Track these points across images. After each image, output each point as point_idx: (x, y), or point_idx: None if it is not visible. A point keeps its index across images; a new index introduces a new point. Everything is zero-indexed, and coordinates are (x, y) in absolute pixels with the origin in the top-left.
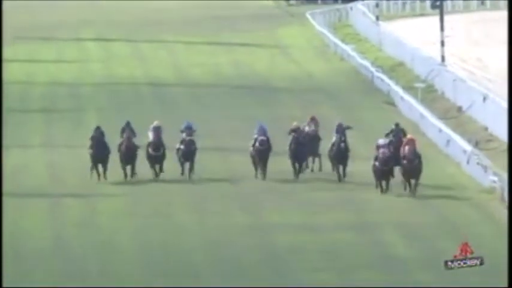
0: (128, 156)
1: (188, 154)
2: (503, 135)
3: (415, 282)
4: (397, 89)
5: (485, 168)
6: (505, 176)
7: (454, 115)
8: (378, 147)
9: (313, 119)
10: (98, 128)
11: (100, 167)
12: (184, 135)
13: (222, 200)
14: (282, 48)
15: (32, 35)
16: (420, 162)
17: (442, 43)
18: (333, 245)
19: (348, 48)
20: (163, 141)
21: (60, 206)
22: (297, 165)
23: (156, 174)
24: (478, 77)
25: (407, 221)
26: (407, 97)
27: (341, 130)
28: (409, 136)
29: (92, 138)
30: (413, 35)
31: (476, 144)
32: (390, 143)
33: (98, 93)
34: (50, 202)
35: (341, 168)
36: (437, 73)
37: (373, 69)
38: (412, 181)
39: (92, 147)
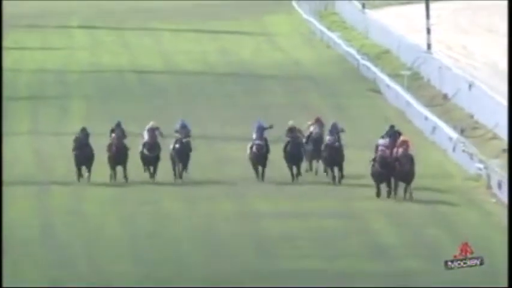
0: (118, 157)
1: (183, 155)
2: (489, 123)
3: (403, 269)
4: (383, 77)
5: (471, 155)
6: (490, 163)
7: (439, 102)
8: (377, 147)
9: (317, 120)
10: (83, 129)
11: (84, 170)
12: (179, 135)
13: (209, 188)
14: (268, 36)
15: (19, 23)
16: (413, 166)
17: (428, 31)
18: (321, 233)
19: (334, 36)
20: (160, 143)
21: (47, 193)
22: (294, 168)
23: (151, 175)
24: (464, 65)
25: (394, 208)
26: (393, 84)
27: (335, 131)
28: (403, 138)
29: (76, 139)
30: (400, 23)
31: (462, 132)
32: (390, 144)
33: (84, 81)
34: (37, 190)
35: (336, 170)
36: (423, 61)
37: (359, 56)
38: (403, 184)
39: (75, 149)
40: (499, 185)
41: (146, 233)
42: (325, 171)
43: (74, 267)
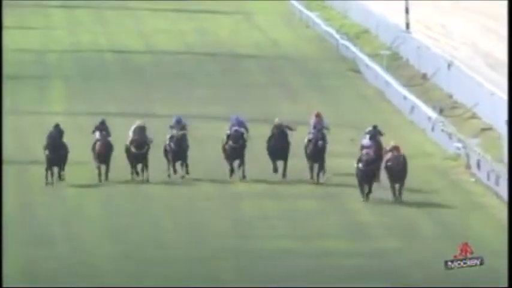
0: (103, 155)
1: (179, 153)
2: (468, 102)
3: (380, 249)
4: (362, 56)
5: (450, 135)
6: (469, 142)
7: (418, 82)
8: (362, 147)
9: (318, 116)
10: (56, 126)
11: (56, 170)
12: (174, 131)
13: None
14: (247, 15)
15: None
16: (405, 167)
17: (407, 10)
18: (297, 213)
19: (313, 16)
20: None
21: (26, 173)
22: (277, 163)
23: (138, 174)
24: (443, 44)
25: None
26: (373, 64)
27: (320, 127)
28: (393, 144)
29: (48, 137)
30: (379, 2)
31: (440, 111)
32: (375, 145)
33: (63, 61)
34: (16, 169)
35: (316, 167)
36: (402, 40)
37: (338, 36)
38: (397, 185)
39: (47, 147)
40: (478, 164)
41: (125, 213)
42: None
43: (53, 247)
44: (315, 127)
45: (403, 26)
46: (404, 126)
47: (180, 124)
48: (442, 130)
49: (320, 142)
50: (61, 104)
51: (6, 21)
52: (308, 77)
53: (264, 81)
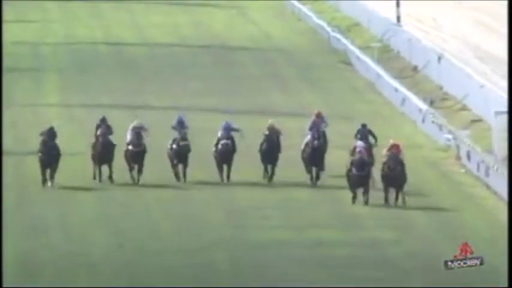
0: (104, 155)
1: (182, 156)
2: (458, 94)
3: (372, 239)
4: (353, 49)
5: (440, 126)
6: (459, 134)
7: (409, 74)
8: (355, 150)
9: (318, 116)
10: (50, 129)
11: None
12: (177, 134)
13: None
14: (240, 8)
15: None
16: (403, 170)
17: (398, 3)
18: (290, 203)
19: (305, 9)
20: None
21: (23, 164)
22: (269, 167)
23: (134, 179)
24: (433, 37)
25: None
26: (364, 57)
27: (316, 127)
28: (393, 141)
29: (42, 141)
30: None
31: (431, 103)
32: (368, 147)
33: (59, 53)
34: (13, 160)
35: (314, 170)
36: (393, 33)
37: (329, 29)
38: (391, 189)
39: (41, 151)
40: (468, 156)
41: (118, 202)
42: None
43: (48, 237)
44: (311, 128)
45: (394, 19)
46: (395, 117)
47: (182, 125)
48: (433, 122)
49: (316, 142)
50: (56, 95)
51: (3, 15)
52: (300, 69)
53: (256, 73)
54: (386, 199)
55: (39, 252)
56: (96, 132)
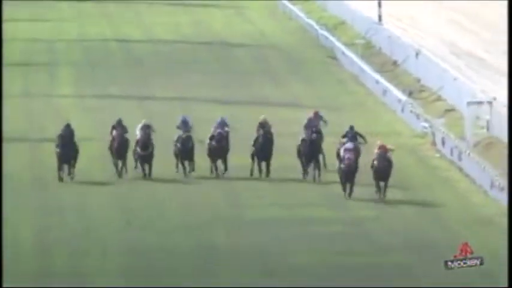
0: (121, 152)
1: (185, 153)
2: (434, 86)
3: (357, 217)
4: (339, 45)
5: (417, 115)
6: (435, 122)
7: (390, 68)
8: (343, 149)
9: (316, 115)
10: (67, 126)
11: (66, 168)
12: (181, 132)
13: None
14: (237, 8)
15: None
16: (390, 166)
17: (379, 4)
18: (283, 184)
19: (295, 9)
20: (153, 140)
21: (39, 150)
22: (263, 164)
23: (145, 174)
24: (412, 35)
25: None
26: (349, 52)
27: (312, 125)
28: (379, 143)
29: (60, 136)
30: None
31: (409, 94)
32: (355, 147)
33: (72, 50)
34: (30, 146)
35: (312, 166)
36: (375, 31)
37: (317, 27)
38: (381, 183)
39: (58, 146)
40: (443, 142)
41: (128, 185)
42: (304, 167)
43: (62, 215)
44: (307, 127)
45: (376, 18)
46: (377, 107)
47: (186, 125)
48: (411, 111)
49: (314, 135)
50: (70, 87)
51: (20, 14)
52: (291, 63)
53: (252, 67)
54: (378, 189)
55: (53, 229)
56: (111, 131)
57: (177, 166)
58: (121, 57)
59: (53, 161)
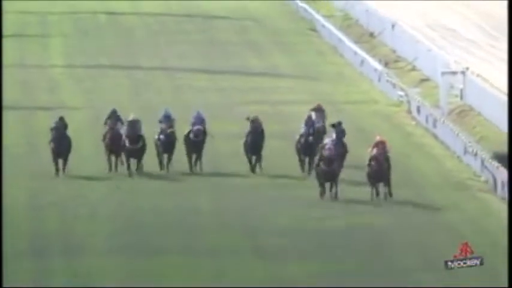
0: (113, 146)
1: (168, 145)
2: (409, 57)
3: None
4: (318, 18)
5: (393, 84)
6: (410, 91)
7: (367, 40)
8: (324, 147)
9: (319, 109)
10: (61, 119)
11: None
12: (163, 125)
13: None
14: None
15: None
16: (389, 166)
17: None
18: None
19: None
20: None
21: (33, 117)
22: (253, 158)
23: (130, 173)
24: (388, 8)
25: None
26: (328, 24)
27: (311, 123)
28: (379, 138)
29: (53, 129)
30: None
31: (385, 64)
32: (336, 143)
33: (63, 22)
34: (23, 114)
35: (307, 160)
36: (353, 4)
37: (298, 0)
38: (379, 184)
39: (52, 140)
40: (418, 110)
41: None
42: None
43: (53, 180)
44: (307, 124)
45: None
46: (355, 77)
47: (168, 119)
48: (387, 80)
49: (311, 138)
50: (61, 58)
51: None
52: (272, 35)
53: (234, 39)
54: (377, 193)
55: (44, 193)
56: (105, 122)
57: (160, 164)
58: (110, 29)
59: (45, 129)
